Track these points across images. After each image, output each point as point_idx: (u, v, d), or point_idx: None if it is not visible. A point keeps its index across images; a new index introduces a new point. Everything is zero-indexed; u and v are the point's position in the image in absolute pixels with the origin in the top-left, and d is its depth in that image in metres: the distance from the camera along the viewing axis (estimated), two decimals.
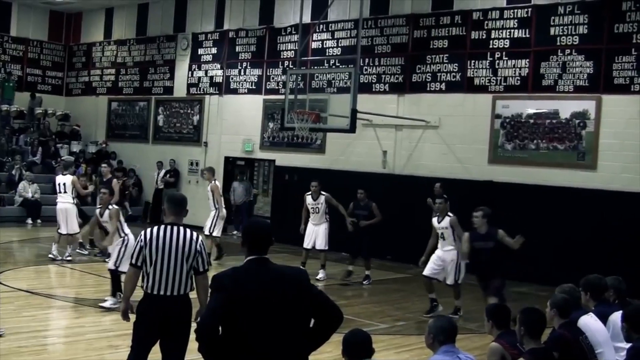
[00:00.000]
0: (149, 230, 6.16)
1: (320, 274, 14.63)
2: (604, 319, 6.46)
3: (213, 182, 15.96)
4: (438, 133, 17.80)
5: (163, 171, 23.33)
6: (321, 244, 14.80)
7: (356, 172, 18.65)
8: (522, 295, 14.10)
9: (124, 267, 9.70)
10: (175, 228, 6.10)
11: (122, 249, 10.60)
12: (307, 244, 14.91)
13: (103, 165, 17.62)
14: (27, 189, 21.66)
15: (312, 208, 14.83)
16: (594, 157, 15.54)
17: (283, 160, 20.93)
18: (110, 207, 11.14)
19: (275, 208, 21.27)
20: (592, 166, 15.56)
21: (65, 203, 15.27)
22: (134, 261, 6.21)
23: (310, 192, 14.96)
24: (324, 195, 14.82)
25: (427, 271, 12.02)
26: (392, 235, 15.67)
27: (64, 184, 15.43)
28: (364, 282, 14.78)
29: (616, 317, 6.57)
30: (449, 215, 12.27)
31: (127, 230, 11.01)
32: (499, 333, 5.71)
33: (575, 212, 15.49)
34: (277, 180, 21.35)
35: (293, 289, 4.35)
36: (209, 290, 6.01)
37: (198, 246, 6.10)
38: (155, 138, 24.89)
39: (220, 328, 4.25)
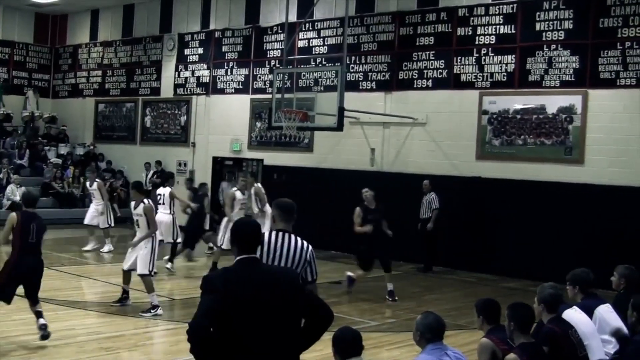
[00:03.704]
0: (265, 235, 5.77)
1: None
2: (589, 312, 6.48)
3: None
4: (425, 130, 17.83)
5: (151, 172, 23.26)
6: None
7: (345, 170, 18.66)
8: (511, 291, 14.16)
9: None
10: (286, 235, 5.77)
11: None
12: None
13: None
14: (15, 192, 21.51)
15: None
16: (581, 151, 15.59)
17: (271, 160, 20.91)
18: None
19: None
20: (580, 161, 15.61)
21: (161, 214, 14.96)
22: None
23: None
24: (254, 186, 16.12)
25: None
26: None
27: (163, 195, 15.37)
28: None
29: (602, 309, 6.59)
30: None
31: None
32: (489, 328, 5.71)
33: (563, 206, 15.54)
34: (266, 180, 21.30)
35: (284, 289, 4.36)
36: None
37: (308, 255, 5.74)
38: (142, 139, 24.82)
39: (212, 329, 4.25)
